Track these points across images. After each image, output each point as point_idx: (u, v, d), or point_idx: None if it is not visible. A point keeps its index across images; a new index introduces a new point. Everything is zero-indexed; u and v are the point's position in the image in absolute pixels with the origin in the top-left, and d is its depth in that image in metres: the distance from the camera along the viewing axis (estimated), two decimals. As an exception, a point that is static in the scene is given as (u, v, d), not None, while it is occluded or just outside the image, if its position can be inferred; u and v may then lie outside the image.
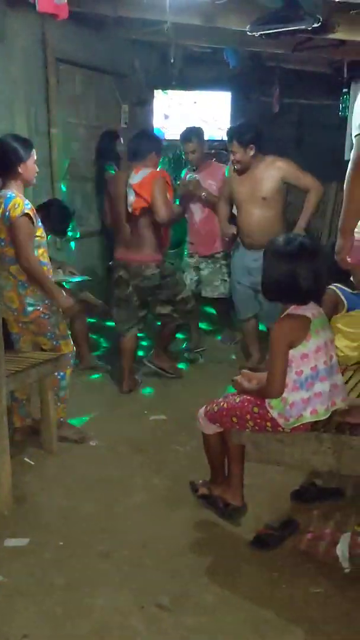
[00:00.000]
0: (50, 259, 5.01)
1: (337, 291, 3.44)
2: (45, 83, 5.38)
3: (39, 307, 3.59)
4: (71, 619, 2.37)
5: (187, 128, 5.41)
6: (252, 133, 4.60)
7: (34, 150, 3.60)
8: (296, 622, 2.36)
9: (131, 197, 4.33)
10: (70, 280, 4.98)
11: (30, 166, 3.57)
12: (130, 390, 4.64)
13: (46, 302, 3.62)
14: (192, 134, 5.32)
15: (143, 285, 4.53)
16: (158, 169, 4.59)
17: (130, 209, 4.36)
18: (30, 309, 3.58)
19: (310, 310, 2.62)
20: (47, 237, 3.77)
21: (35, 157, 3.60)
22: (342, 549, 2.70)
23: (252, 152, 4.60)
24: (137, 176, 4.33)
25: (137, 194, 4.31)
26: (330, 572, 2.62)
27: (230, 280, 5.15)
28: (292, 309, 2.63)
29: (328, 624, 2.35)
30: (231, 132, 4.68)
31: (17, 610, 2.42)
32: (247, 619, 2.37)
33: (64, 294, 3.69)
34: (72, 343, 3.82)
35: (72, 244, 5.81)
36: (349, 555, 2.67)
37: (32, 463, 3.55)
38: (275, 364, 2.58)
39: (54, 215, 4.82)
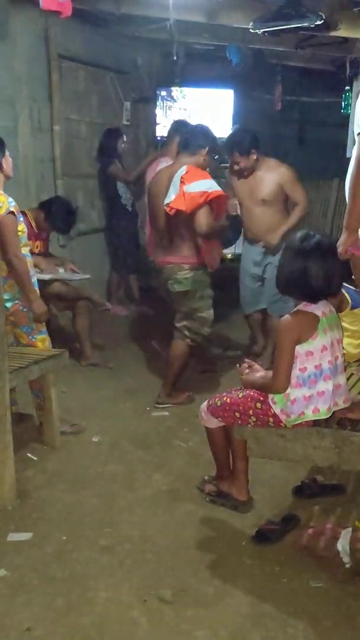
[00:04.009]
0: (51, 255, 5.06)
1: (342, 289, 3.45)
2: (48, 80, 5.40)
3: (17, 301, 3.59)
4: (73, 611, 2.39)
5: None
6: (250, 139, 4.59)
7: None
8: (296, 616, 2.37)
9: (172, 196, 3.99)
10: (71, 279, 5.00)
11: (8, 159, 3.56)
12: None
13: None
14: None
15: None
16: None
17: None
18: (8, 304, 3.56)
19: (320, 308, 2.62)
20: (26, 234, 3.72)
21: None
22: (343, 544, 2.71)
23: (254, 157, 4.61)
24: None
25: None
26: (331, 567, 2.64)
27: (240, 275, 5.15)
28: (302, 306, 2.64)
29: (328, 618, 2.37)
30: (230, 144, 4.66)
31: (20, 604, 2.43)
32: (248, 613, 2.39)
33: (40, 299, 3.63)
34: (49, 341, 3.77)
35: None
36: (350, 550, 2.68)
37: (35, 458, 3.57)
38: (281, 359, 2.58)
39: (57, 212, 4.84)
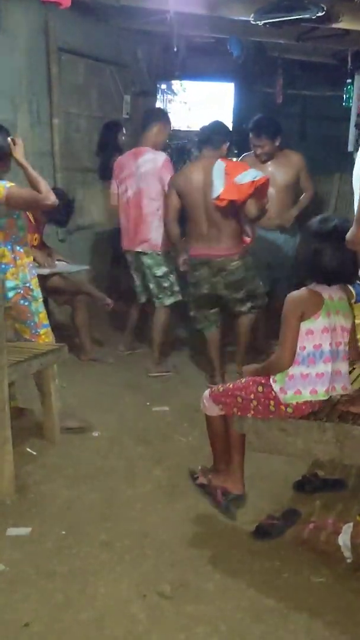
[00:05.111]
0: (46, 246, 5.04)
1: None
2: (47, 73, 5.37)
3: (20, 290, 3.57)
4: (73, 607, 2.37)
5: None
6: (277, 125, 4.89)
7: None
8: (297, 611, 2.35)
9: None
10: (70, 271, 4.98)
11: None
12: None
13: (27, 284, 3.59)
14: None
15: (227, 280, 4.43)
16: None
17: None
18: (10, 293, 3.53)
19: (328, 291, 2.66)
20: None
21: None
22: (344, 539, 2.69)
23: (277, 143, 4.88)
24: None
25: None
26: (332, 562, 2.62)
27: None
28: (312, 285, 2.69)
29: (329, 613, 2.35)
30: (259, 127, 4.89)
31: (19, 599, 2.41)
32: (249, 608, 2.37)
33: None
34: (52, 335, 3.75)
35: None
36: (351, 545, 2.66)
37: (34, 453, 3.55)
38: (286, 333, 2.63)
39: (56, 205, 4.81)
